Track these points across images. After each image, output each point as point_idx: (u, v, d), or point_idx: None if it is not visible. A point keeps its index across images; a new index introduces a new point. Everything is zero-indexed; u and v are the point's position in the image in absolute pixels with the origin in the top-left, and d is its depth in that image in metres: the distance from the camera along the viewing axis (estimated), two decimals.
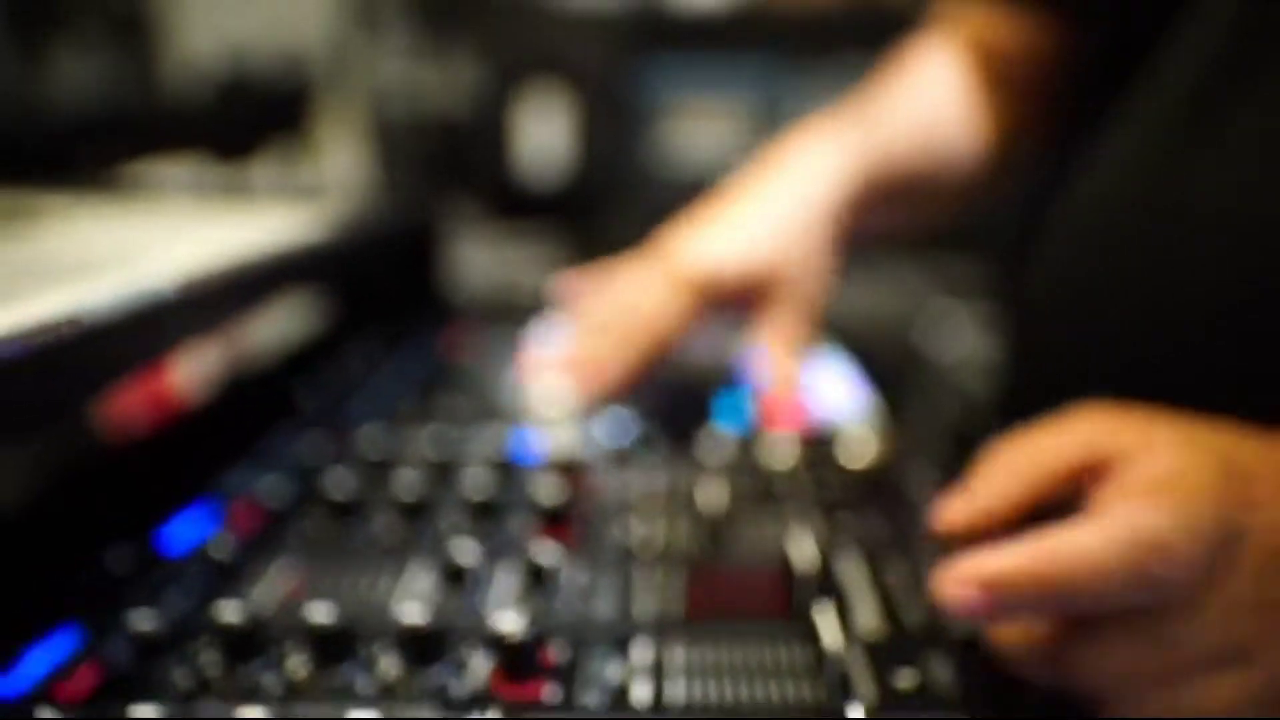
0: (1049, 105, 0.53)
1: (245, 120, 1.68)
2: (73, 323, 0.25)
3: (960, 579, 0.24)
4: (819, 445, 0.39)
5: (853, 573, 0.28)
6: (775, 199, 0.48)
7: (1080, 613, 0.24)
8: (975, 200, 0.57)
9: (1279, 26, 0.36)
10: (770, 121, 1.60)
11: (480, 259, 0.76)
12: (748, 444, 0.40)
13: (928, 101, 0.54)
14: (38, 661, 0.24)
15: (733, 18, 1.56)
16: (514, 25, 1.57)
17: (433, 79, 1.65)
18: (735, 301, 0.47)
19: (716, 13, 1.56)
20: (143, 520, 0.30)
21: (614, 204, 1.56)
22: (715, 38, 1.58)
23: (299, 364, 0.49)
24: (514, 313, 0.60)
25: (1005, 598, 0.24)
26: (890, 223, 0.54)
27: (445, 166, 1.65)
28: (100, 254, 0.41)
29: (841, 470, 0.37)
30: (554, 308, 0.54)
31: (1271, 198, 0.34)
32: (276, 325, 0.46)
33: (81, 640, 0.24)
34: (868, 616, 0.27)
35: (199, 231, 0.48)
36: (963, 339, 0.73)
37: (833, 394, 0.48)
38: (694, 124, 1.63)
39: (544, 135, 1.57)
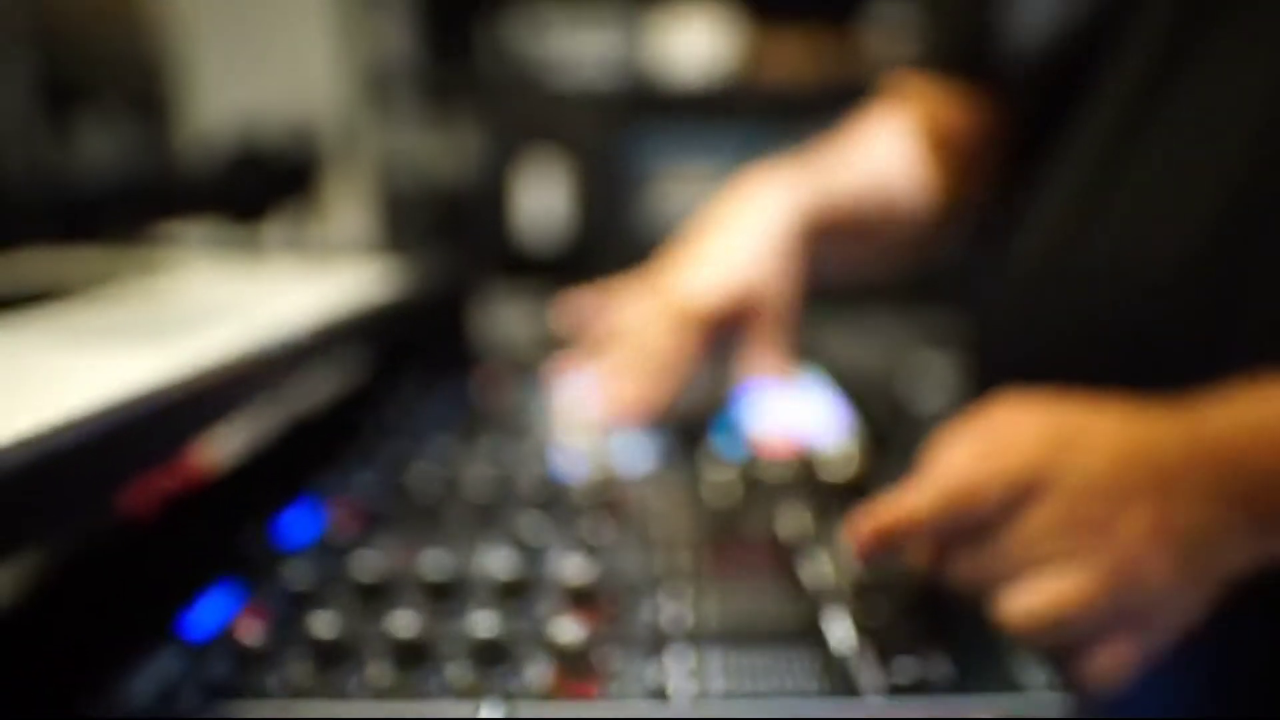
0: (986, 170, 0.61)
1: (257, 186, 1.76)
2: (210, 366, 0.32)
3: (857, 536, 0.34)
4: (806, 463, 0.47)
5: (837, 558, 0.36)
6: (739, 233, 0.54)
7: (938, 538, 0.34)
8: (923, 252, 0.65)
9: (1158, 112, 0.46)
10: None
11: (487, 315, 0.84)
12: (744, 464, 0.47)
13: (875, 156, 0.61)
14: (213, 610, 0.31)
15: (717, 91, 1.67)
16: (514, 99, 1.68)
17: (437, 148, 1.74)
18: (724, 329, 0.53)
19: (702, 87, 1.67)
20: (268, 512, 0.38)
21: (608, 264, 1.64)
22: (701, 109, 1.69)
23: (353, 406, 0.56)
24: (531, 360, 0.68)
25: (886, 540, 0.34)
26: (842, 261, 0.59)
27: (449, 230, 1.74)
28: (213, 307, 0.48)
29: (827, 483, 0.44)
30: (559, 331, 0.61)
31: (1152, 248, 0.44)
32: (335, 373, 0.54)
33: (245, 594, 0.31)
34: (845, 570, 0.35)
35: (284, 289, 0.55)
36: (944, 389, 0.80)
37: (817, 418, 0.55)
38: (682, 189, 1.74)
39: (542, 201, 1.67)
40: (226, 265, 0.66)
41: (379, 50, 1.73)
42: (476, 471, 0.43)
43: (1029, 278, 0.50)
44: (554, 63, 1.69)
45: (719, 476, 0.44)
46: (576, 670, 0.28)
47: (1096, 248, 0.46)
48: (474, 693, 0.27)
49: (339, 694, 0.27)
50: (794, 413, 0.54)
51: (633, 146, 1.72)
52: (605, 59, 1.70)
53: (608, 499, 0.42)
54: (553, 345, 0.69)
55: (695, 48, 1.70)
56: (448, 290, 0.71)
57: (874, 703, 0.27)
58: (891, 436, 0.56)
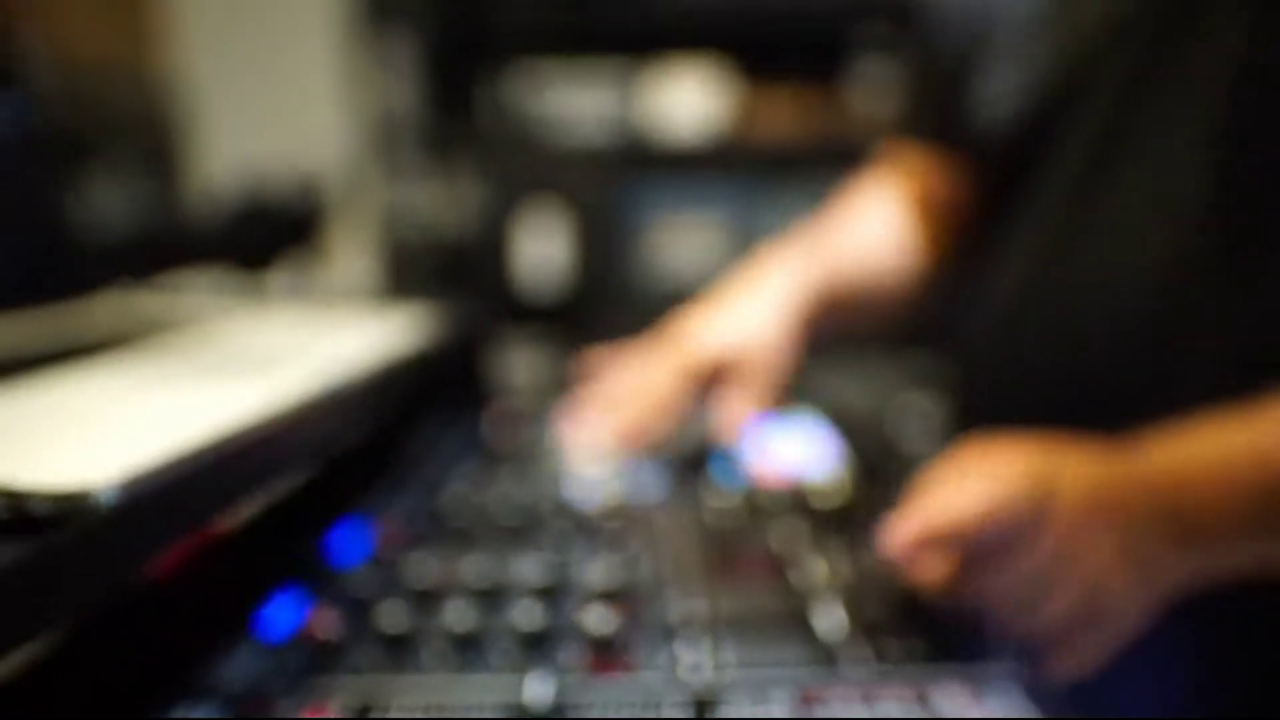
0: (964, 228, 0.67)
1: (263, 235, 1.81)
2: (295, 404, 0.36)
3: (891, 545, 0.38)
4: (799, 492, 0.51)
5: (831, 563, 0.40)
6: (747, 304, 0.62)
7: (956, 556, 0.38)
8: (910, 308, 0.71)
9: (1110, 175, 0.52)
10: (744, 237, 1.77)
11: (494, 359, 0.88)
12: (742, 492, 0.51)
13: (868, 233, 0.69)
14: (286, 614, 0.34)
15: (709, 147, 1.75)
16: (514, 153, 1.74)
17: (439, 199, 1.80)
18: (717, 379, 0.59)
19: (694, 143, 1.74)
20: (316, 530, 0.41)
21: (606, 310, 1.69)
22: (694, 165, 1.76)
23: (380, 440, 0.60)
24: (537, 399, 0.72)
25: (918, 548, 0.38)
26: (839, 327, 0.67)
27: (451, 279, 1.79)
28: (273, 353, 0.52)
29: (818, 509, 0.49)
30: (577, 381, 0.67)
31: (1108, 291, 0.50)
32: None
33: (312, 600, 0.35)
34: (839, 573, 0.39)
35: (333, 336, 0.60)
36: (929, 426, 0.84)
37: (809, 452, 0.59)
38: (676, 240, 1.80)
39: (542, 250, 1.72)
40: (269, 314, 0.71)
41: (384, 105, 1.79)
42: (500, 495, 0.48)
43: (1002, 321, 0.56)
44: (553, 119, 1.76)
45: (720, 503, 0.49)
46: (608, 653, 0.32)
47: (1060, 293, 0.52)
48: (520, 670, 0.31)
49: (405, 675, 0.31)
50: (788, 447, 0.58)
51: (629, 199, 1.78)
52: (602, 116, 1.78)
53: (621, 520, 0.46)
54: (556, 386, 0.74)
55: (688, 106, 1.77)
56: (463, 335, 0.76)
57: (856, 672, 0.31)
58: (880, 469, 0.61)
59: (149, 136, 1.86)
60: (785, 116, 1.77)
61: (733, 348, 0.59)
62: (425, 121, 1.76)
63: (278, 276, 1.69)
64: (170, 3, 2.12)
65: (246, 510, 0.38)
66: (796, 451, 0.58)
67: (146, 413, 0.35)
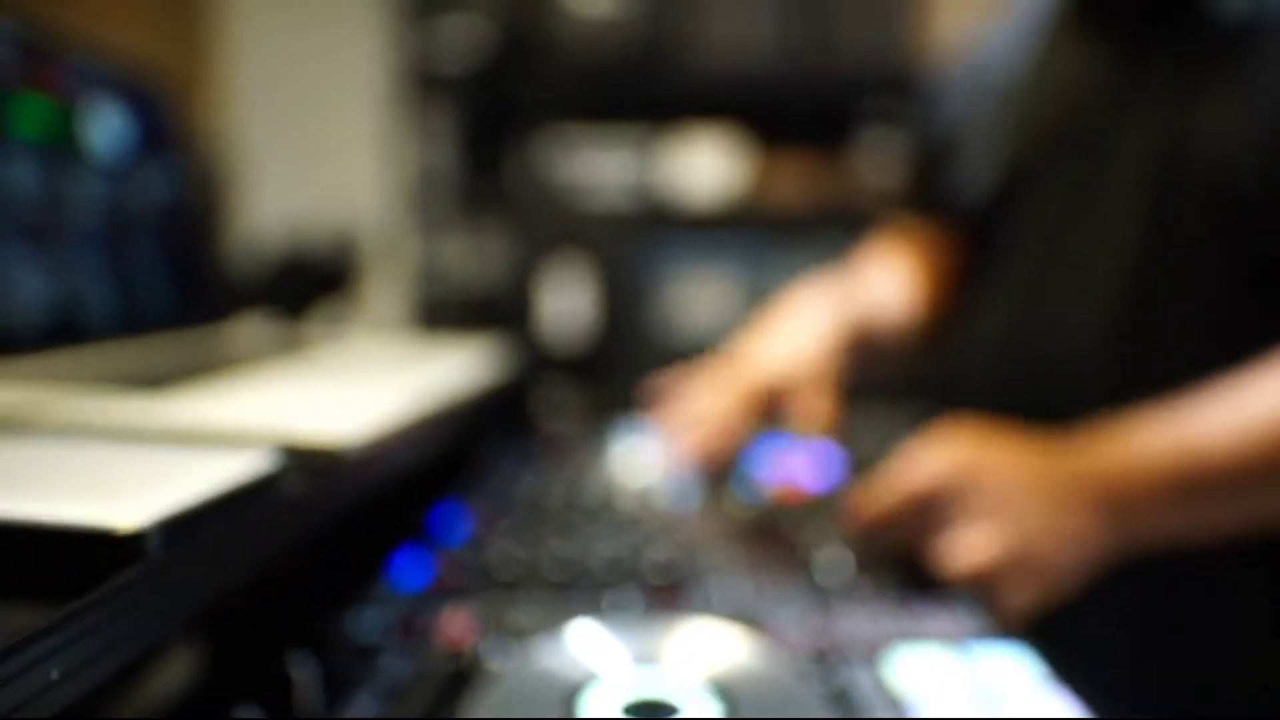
0: (957, 287, 0.77)
1: (303, 285, 1.90)
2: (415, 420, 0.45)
3: (852, 520, 0.47)
4: (812, 504, 0.58)
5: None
6: (791, 333, 0.71)
7: (905, 521, 0.47)
8: (909, 354, 0.80)
9: (1068, 236, 0.62)
10: (755, 293, 1.86)
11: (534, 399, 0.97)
12: (760, 505, 0.58)
13: (881, 288, 0.78)
14: (415, 571, 0.42)
15: (724, 210, 1.86)
16: (541, 212, 1.85)
17: (470, 255, 1.90)
18: (772, 403, 0.66)
19: (710, 205, 1.85)
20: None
21: (628, 362, 1.78)
22: (709, 226, 1.87)
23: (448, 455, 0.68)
24: (577, 432, 0.81)
25: (871, 525, 0.48)
26: (858, 367, 0.75)
27: (480, 330, 1.87)
28: (389, 372, 0.61)
29: (822, 516, 0.56)
30: (645, 405, 0.74)
31: (1070, 327, 0.60)
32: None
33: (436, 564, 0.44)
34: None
35: (428, 361, 0.68)
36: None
37: (822, 472, 0.67)
38: (692, 295, 1.90)
39: (567, 305, 1.82)
40: (363, 342, 0.80)
41: (421, 165, 1.91)
42: (559, 497, 0.56)
43: (981, 369, 0.66)
44: (578, 181, 1.87)
45: (740, 514, 0.56)
46: (668, 591, 0.40)
47: (1030, 333, 0.62)
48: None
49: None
50: (803, 466, 0.66)
51: (648, 257, 1.88)
52: (623, 179, 1.88)
53: (661, 520, 0.54)
54: (585, 426, 0.82)
55: (704, 170, 1.88)
56: (516, 371, 0.84)
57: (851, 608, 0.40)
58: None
59: (198, 190, 1.97)
60: (796, 182, 1.88)
61: (787, 373, 0.66)
62: (459, 181, 1.87)
63: (315, 324, 1.78)
64: (223, 63, 2.26)
65: (392, 478, 0.46)
66: (810, 471, 0.66)
67: (341, 403, 0.44)
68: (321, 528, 0.35)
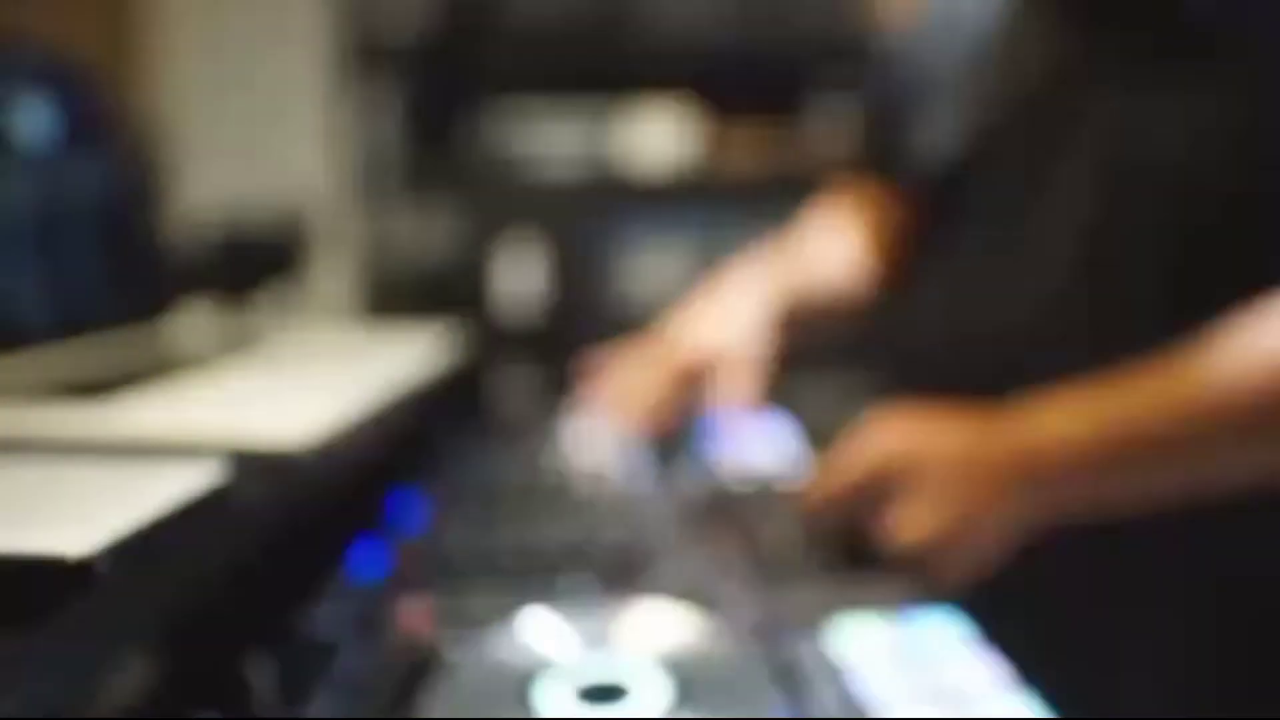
0: (907, 253, 0.77)
1: (245, 267, 1.86)
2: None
3: (805, 505, 0.49)
4: (763, 480, 0.60)
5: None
6: (729, 309, 0.71)
7: (850, 504, 0.49)
8: (857, 323, 0.81)
9: (1024, 207, 0.63)
10: (710, 264, 1.86)
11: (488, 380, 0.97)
12: (710, 481, 0.60)
13: (825, 255, 0.78)
14: (373, 563, 0.43)
15: (678, 181, 1.86)
16: (492, 186, 1.83)
17: (419, 231, 1.87)
18: (704, 376, 0.67)
19: (663, 176, 1.85)
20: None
21: (580, 335, 1.78)
22: (664, 197, 1.87)
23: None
24: (529, 412, 0.82)
25: (820, 508, 0.50)
26: (798, 339, 0.76)
27: (431, 308, 1.86)
28: (336, 367, 0.60)
29: (778, 494, 0.57)
30: (576, 382, 0.75)
31: (1021, 296, 0.61)
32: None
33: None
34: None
35: (375, 353, 0.67)
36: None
37: (774, 447, 0.68)
38: (647, 267, 1.90)
39: (519, 280, 1.81)
40: (312, 334, 0.79)
41: (367, 140, 1.87)
42: (515, 481, 0.57)
43: (933, 328, 0.67)
44: (529, 154, 1.85)
45: (692, 490, 0.58)
46: (621, 573, 0.41)
47: (980, 303, 0.63)
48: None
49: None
50: (755, 442, 0.67)
51: (602, 230, 1.88)
52: (576, 151, 1.87)
53: (614, 502, 0.55)
54: (540, 404, 0.83)
55: (658, 141, 1.88)
56: (469, 356, 0.84)
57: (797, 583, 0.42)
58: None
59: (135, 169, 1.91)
60: (749, 151, 1.88)
61: (716, 350, 0.67)
62: (406, 157, 1.84)
63: (259, 308, 1.75)
64: (156, 39, 2.18)
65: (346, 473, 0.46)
66: (762, 446, 0.67)
67: (292, 403, 0.44)
68: (277, 528, 0.36)
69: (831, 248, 0.79)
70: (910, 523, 0.47)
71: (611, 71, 1.85)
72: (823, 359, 1.25)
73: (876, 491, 0.49)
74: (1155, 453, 0.51)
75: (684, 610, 0.37)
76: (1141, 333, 0.56)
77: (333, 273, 1.94)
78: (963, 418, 0.53)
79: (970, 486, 0.49)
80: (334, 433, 0.37)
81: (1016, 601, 0.51)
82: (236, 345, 0.63)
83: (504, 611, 0.37)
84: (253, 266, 1.82)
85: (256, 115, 2.19)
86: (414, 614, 0.37)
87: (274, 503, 0.34)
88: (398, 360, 0.59)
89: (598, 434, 0.67)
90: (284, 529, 0.37)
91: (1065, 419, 0.52)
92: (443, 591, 0.40)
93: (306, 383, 0.49)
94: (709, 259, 1.85)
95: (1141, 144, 0.57)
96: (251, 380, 0.49)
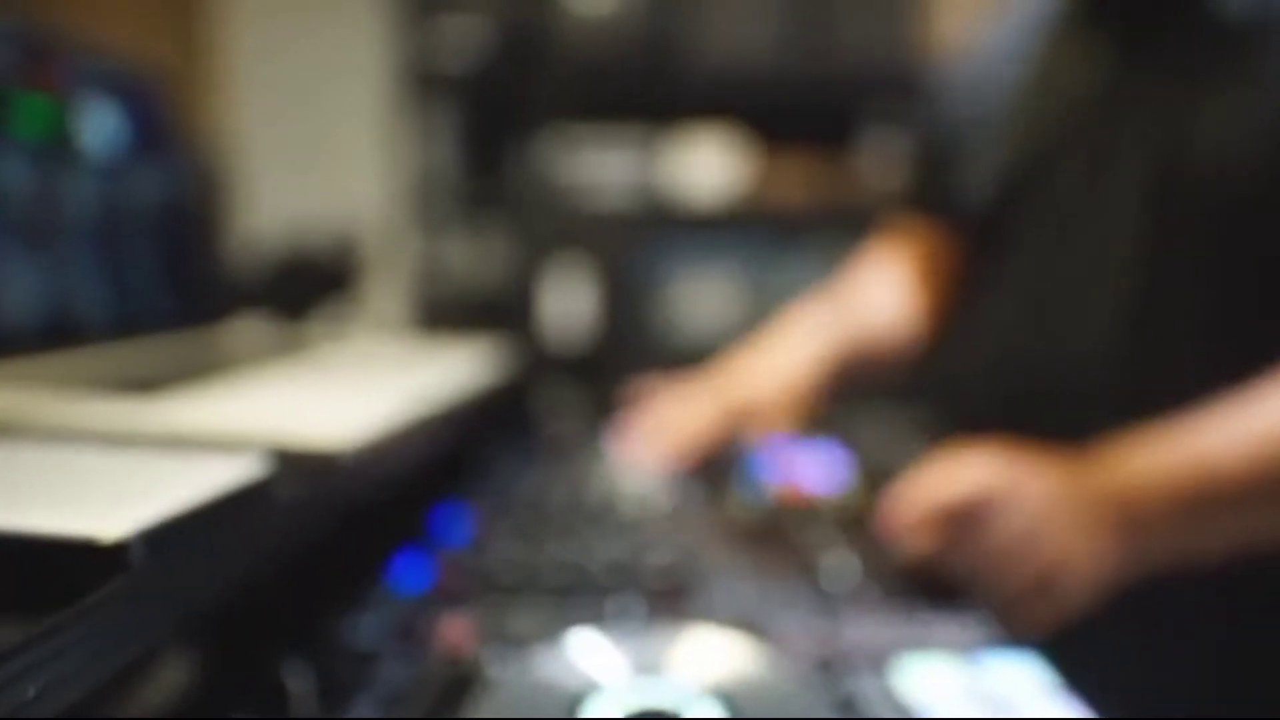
0: (960, 289, 0.76)
1: (303, 286, 1.89)
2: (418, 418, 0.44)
3: (889, 522, 0.46)
4: (815, 505, 0.58)
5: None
6: (778, 357, 0.72)
7: (935, 532, 0.46)
8: (911, 364, 0.80)
9: (1071, 239, 0.61)
10: (756, 293, 1.86)
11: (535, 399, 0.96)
12: (763, 505, 0.58)
13: (878, 299, 0.78)
14: (417, 574, 0.42)
15: (726, 210, 1.85)
16: (543, 212, 1.84)
17: (471, 255, 1.89)
18: (749, 417, 0.68)
19: (712, 205, 1.85)
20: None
21: (627, 361, 1.77)
22: (711, 226, 1.86)
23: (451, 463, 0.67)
24: (576, 433, 0.81)
25: (911, 524, 0.47)
26: (851, 383, 0.76)
27: (481, 331, 1.87)
28: (390, 372, 0.60)
29: (826, 518, 0.55)
30: (625, 406, 0.75)
31: (1076, 332, 0.59)
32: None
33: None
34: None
35: (428, 362, 0.67)
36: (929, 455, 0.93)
37: (823, 472, 0.67)
38: (693, 295, 1.89)
39: (568, 305, 1.81)
40: (363, 343, 0.79)
41: (422, 165, 1.90)
42: (560, 498, 0.55)
43: (988, 362, 0.65)
44: (580, 181, 1.87)
45: (743, 514, 0.56)
46: (670, 596, 0.39)
47: (1036, 335, 0.61)
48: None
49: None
50: (808, 468, 0.66)
51: (649, 257, 1.87)
52: (625, 179, 1.88)
53: (663, 523, 0.53)
54: (586, 426, 0.82)
55: (706, 170, 1.88)
56: (517, 372, 0.84)
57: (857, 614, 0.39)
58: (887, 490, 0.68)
59: (200, 191, 1.97)
60: (798, 181, 1.87)
61: (763, 395, 0.68)
62: (459, 181, 1.87)
63: (315, 325, 1.78)
64: (223, 62, 2.26)
65: (390, 481, 0.46)
66: (814, 472, 0.66)
67: (338, 405, 0.43)
68: (317, 531, 0.35)
69: (885, 293, 0.78)
70: (1004, 558, 0.45)
71: (662, 100, 1.86)
72: (872, 395, 1.23)
73: (970, 521, 0.46)
74: (1245, 494, 0.48)
75: (738, 637, 0.35)
76: (1204, 348, 0.53)
77: (386, 293, 1.97)
78: (1050, 457, 0.50)
79: (1064, 529, 0.46)
80: (377, 436, 0.36)
81: (1098, 645, 0.48)
82: (290, 352, 0.63)
83: (548, 630, 0.35)
84: (310, 284, 1.85)
85: (318, 139, 2.25)
86: (456, 628, 0.36)
87: (317, 506, 0.34)
88: (446, 371, 0.58)
89: (643, 459, 0.67)
90: (326, 534, 0.36)
91: (1153, 461, 0.49)
92: (486, 606, 0.38)
93: (355, 388, 0.48)
94: (755, 288, 1.84)
95: (1189, 154, 0.56)
96: (301, 383, 0.49)
